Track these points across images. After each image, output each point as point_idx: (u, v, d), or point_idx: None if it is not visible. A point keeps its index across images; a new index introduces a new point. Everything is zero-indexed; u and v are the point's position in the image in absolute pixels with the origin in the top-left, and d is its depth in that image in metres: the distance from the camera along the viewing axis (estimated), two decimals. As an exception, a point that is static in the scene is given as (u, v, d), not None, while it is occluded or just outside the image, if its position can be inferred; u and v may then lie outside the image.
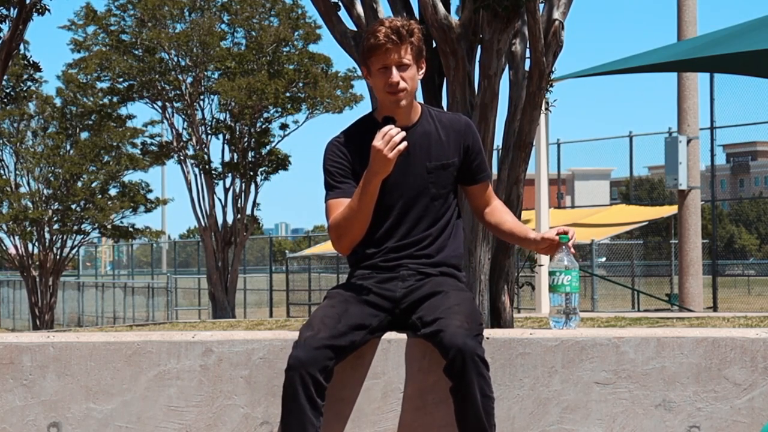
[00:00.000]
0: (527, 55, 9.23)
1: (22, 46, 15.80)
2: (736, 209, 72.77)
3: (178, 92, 29.48)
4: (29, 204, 31.83)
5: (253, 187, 29.77)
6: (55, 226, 31.95)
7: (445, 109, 9.13)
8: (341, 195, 4.34)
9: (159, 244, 50.68)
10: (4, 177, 32.06)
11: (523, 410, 4.37)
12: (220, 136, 29.82)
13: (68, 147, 31.93)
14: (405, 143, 4.22)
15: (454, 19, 8.79)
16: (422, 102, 4.59)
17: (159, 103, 29.90)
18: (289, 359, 4.10)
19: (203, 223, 29.47)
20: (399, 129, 4.21)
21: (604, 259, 29.36)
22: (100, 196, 31.81)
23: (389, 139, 4.18)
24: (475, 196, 4.54)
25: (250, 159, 29.59)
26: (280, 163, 30.10)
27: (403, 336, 4.36)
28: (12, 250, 32.74)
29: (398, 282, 4.36)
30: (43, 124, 32.38)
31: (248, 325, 19.26)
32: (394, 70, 4.29)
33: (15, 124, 32.22)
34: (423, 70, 4.40)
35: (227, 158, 29.68)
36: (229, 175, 29.63)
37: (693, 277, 22.40)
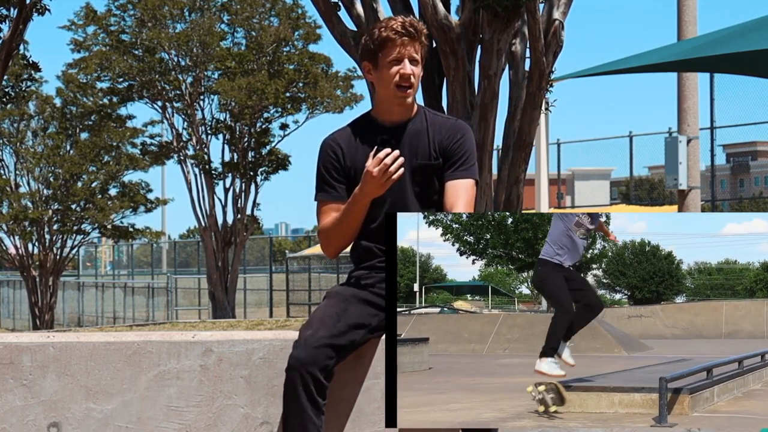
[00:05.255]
0: (527, 55, 9.23)
1: (21, 46, 15.81)
2: (736, 209, 72.74)
3: (178, 92, 29.48)
4: (29, 204, 31.83)
5: (253, 187, 29.78)
6: (55, 226, 31.94)
7: (445, 108, 9.13)
8: (331, 199, 4.33)
9: (159, 244, 50.65)
10: (4, 177, 32.06)
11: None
12: (220, 136, 29.83)
13: (68, 147, 31.94)
14: (401, 170, 4.14)
15: (454, 19, 8.78)
16: (421, 104, 4.56)
17: (159, 103, 29.90)
18: (289, 359, 4.10)
19: (203, 223, 29.47)
20: (397, 154, 4.13)
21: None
22: (100, 196, 31.82)
23: (385, 168, 4.11)
24: (444, 193, 4.33)
25: (250, 159, 29.60)
26: (280, 163, 30.11)
27: (403, 336, 4.36)
28: (12, 250, 32.74)
29: (397, 281, 4.34)
30: (43, 124, 32.39)
31: (248, 325, 19.26)
32: (407, 62, 4.26)
33: (15, 124, 32.23)
34: (421, 74, 4.40)
35: (227, 158, 29.69)
36: (229, 175, 29.64)
37: (693, 277, 22.41)
